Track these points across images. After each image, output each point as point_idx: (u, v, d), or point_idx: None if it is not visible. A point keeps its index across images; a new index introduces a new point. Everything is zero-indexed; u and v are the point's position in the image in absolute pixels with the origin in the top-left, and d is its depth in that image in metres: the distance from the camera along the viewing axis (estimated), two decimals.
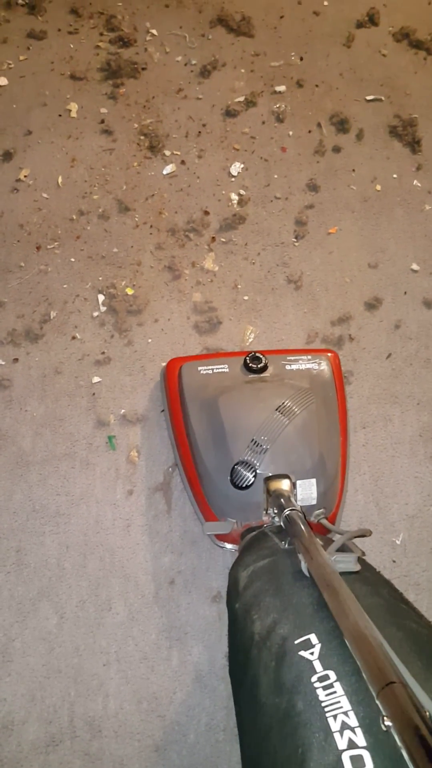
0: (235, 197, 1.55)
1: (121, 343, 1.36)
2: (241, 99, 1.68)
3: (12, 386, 1.31)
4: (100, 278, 1.42)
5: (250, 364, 1.17)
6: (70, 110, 1.63)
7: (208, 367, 1.18)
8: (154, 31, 1.76)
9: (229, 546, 1.14)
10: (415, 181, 1.62)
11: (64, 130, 1.60)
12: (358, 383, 1.37)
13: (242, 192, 1.55)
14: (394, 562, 1.21)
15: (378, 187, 1.60)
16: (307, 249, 1.51)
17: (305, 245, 1.51)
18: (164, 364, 1.27)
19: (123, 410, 1.30)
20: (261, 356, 1.18)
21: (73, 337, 1.36)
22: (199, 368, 1.18)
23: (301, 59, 1.78)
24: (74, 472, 1.24)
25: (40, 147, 1.57)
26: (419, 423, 1.34)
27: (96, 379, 1.32)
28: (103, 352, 1.35)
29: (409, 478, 1.28)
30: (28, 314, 1.37)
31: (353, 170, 1.62)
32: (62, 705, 1.07)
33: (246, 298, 1.43)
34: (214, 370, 1.18)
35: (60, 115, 1.62)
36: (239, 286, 1.44)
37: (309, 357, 1.21)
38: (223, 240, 1.49)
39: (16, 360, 1.33)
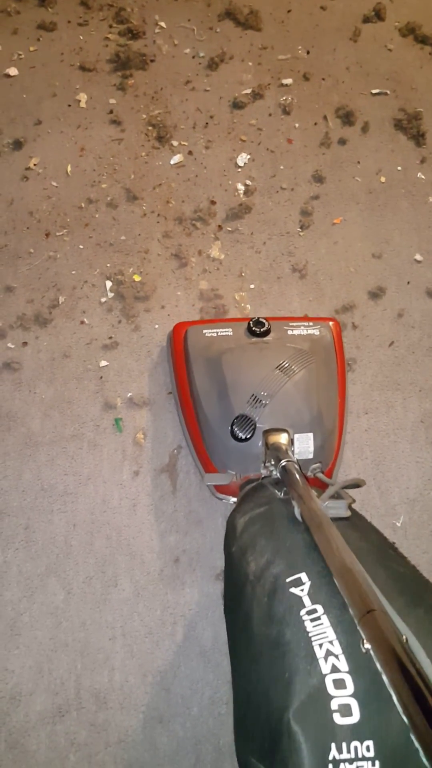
0: (241, 187, 1.57)
1: (129, 328, 1.39)
2: (249, 91, 1.70)
3: (22, 369, 1.33)
4: (108, 265, 1.45)
5: (254, 328, 1.20)
6: (79, 101, 1.65)
7: (213, 330, 1.22)
8: (163, 24, 1.79)
9: (230, 499, 1.18)
10: (419, 174, 1.64)
11: (74, 120, 1.62)
12: (362, 370, 1.39)
13: (248, 182, 1.58)
14: (394, 544, 1.23)
15: (383, 179, 1.62)
16: (312, 239, 1.53)
17: (310, 235, 1.54)
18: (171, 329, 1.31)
19: (130, 393, 1.32)
20: (264, 321, 1.21)
21: (82, 322, 1.38)
22: (204, 331, 1.22)
23: (308, 53, 1.80)
24: (82, 453, 1.27)
25: (50, 136, 1.60)
26: (421, 409, 1.36)
27: (103, 363, 1.35)
28: (110, 337, 1.37)
29: (411, 462, 1.31)
30: (37, 299, 1.40)
31: (358, 162, 1.65)
32: (69, 677, 1.10)
33: (252, 286, 1.46)
34: (219, 333, 1.22)
35: (69, 106, 1.65)
36: (245, 275, 1.47)
37: (310, 323, 1.25)
38: (230, 229, 1.52)
39: (25, 344, 1.36)
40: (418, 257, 1.52)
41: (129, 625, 1.14)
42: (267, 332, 1.21)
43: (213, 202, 1.54)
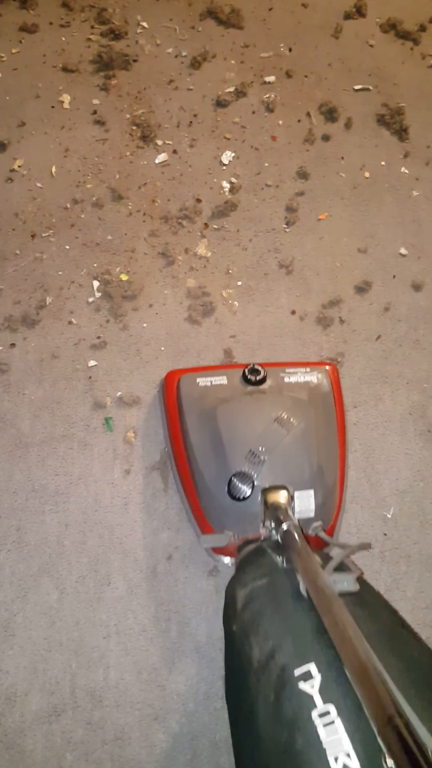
0: (226, 185, 1.57)
1: (117, 327, 1.39)
2: (232, 89, 1.71)
3: (10, 371, 1.33)
4: (95, 265, 1.45)
5: (249, 376, 1.17)
6: (62, 102, 1.65)
7: (207, 379, 1.18)
8: (145, 24, 1.79)
9: (225, 560, 1.13)
10: (403, 168, 1.65)
11: (58, 121, 1.63)
12: (350, 364, 1.40)
13: (234, 180, 1.58)
14: (385, 535, 1.24)
15: (367, 175, 1.63)
16: (298, 235, 1.54)
17: (296, 231, 1.54)
18: (163, 376, 1.28)
19: (119, 392, 1.32)
20: (260, 368, 1.18)
21: (69, 323, 1.38)
22: (198, 380, 1.18)
23: (290, 50, 1.81)
24: (72, 453, 1.27)
25: (34, 138, 1.60)
26: (409, 402, 1.37)
27: (92, 363, 1.35)
28: (98, 337, 1.37)
29: (400, 454, 1.32)
30: (24, 300, 1.40)
31: (342, 158, 1.65)
32: (64, 676, 1.10)
33: (239, 283, 1.46)
34: (213, 382, 1.18)
35: (53, 107, 1.65)
36: (232, 272, 1.47)
37: (307, 369, 1.22)
38: (216, 227, 1.52)
39: (13, 345, 1.36)
40: (403, 251, 1.53)
41: (123, 623, 1.14)
42: (263, 380, 1.17)
43: (199, 200, 1.55)
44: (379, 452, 1.32)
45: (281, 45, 1.81)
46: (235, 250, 1.50)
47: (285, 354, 1.39)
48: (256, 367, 1.18)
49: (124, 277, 1.43)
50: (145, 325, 1.40)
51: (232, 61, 1.76)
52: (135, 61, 1.73)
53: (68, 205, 1.51)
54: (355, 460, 1.31)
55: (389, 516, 1.26)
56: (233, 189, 1.57)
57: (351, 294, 1.48)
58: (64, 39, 1.76)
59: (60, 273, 1.43)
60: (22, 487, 1.24)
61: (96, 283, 1.42)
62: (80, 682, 1.10)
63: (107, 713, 1.08)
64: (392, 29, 1.88)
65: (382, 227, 1.57)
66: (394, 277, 1.50)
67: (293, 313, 1.44)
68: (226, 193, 1.56)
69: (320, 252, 1.52)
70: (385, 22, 1.88)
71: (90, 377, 1.34)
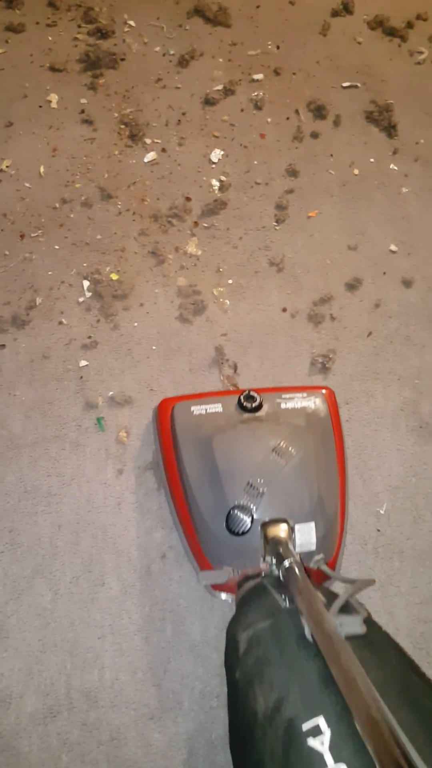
0: (216, 183, 1.57)
1: (108, 327, 1.38)
2: (220, 87, 1.70)
3: (0, 372, 1.32)
4: (85, 264, 1.44)
5: (245, 404, 1.14)
6: (50, 101, 1.65)
7: (202, 407, 1.15)
8: (132, 23, 1.79)
9: (224, 596, 1.10)
10: (392, 165, 1.66)
11: (45, 121, 1.62)
12: (341, 361, 1.40)
13: (223, 178, 1.58)
14: (378, 531, 1.24)
15: (356, 172, 1.64)
16: (288, 232, 1.54)
17: (286, 229, 1.54)
18: (156, 405, 1.25)
19: (111, 392, 1.32)
20: (255, 395, 1.15)
21: (60, 323, 1.38)
22: (192, 408, 1.15)
23: (278, 48, 1.81)
24: (65, 454, 1.26)
25: (22, 138, 1.59)
26: (400, 398, 1.37)
27: (83, 363, 1.34)
28: (89, 337, 1.37)
29: (392, 450, 1.32)
30: (14, 301, 1.39)
31: (331, 155, 1.66)
32: (59, 678, 1.09)
33: (230, 281, 1.46)
34: (208, 410, 1.15)
35: (41, 107, 1.64)
36: (222, 270, 1.47)
37: (304, 394, 1.19)
38: (206, 225, 1.52)
39: (3, 346, 1.35)
40: (393, 248, 1.54)
41: (118, 623, 1.14)
42: (259, 407, 1.14)
43: (188, 199, 1.55)
44: (372, 448, 1.32)
45: (269, 43, 1.81)
46: (225, 248, 1.50)
47: (276, 351, 1.39)
48: (252, 393, 1.15)
49: (114, 277, 1.43)
50: (136, 324, 1.39)
51: (220, 59, 1.76)
52: (122, 59, 1.73)
53: (57, 205, 1.51)
54: (347, 456, 1.31)
55: (382, 512, 1.26)
56: (223, 187, 1.57)
57: (342, 291, 1.48)
58: (51, 38, 1.75)
59: (50, 273, 1.43)
60: (15, 488, 1.23)
61: (86, 283, 1.42)
62: (75, 683, 1.09)
63: (103, 714, 1.08)
64: (379, 26, 1.89)
65: (372, 224, 1.57)
66: (384, 273, 1.51)
67: (284, 310, 1.44)
68: (216, 192, 1.56)
69: (310, 249, 1.52)
70: (372, 19, 1.89)
71: (81, 377, 1.33)
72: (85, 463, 1.26)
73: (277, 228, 1.54)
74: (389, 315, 1.46)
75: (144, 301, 1.42)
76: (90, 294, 1.41)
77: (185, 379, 1.34)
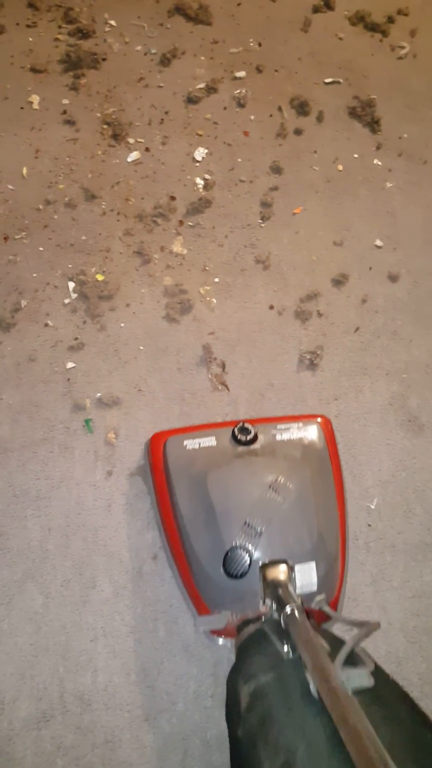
0: (200, 182, 1.57)
1: (94, 328, 1.38)
2: (202, 86, 1.70)
3: None
4: (70, 266, 1.44)
5: (239, 437, 1.10)
6: (32, 102, 1.64)
7: (195, 441, 1.12)
8: (113, 22, 1.78)
9: (221, 641, 1.07)
10: (375, 160, 1.66)
11: (27, 122, 1.61)
12: (329, 357, 1.40)
13: (207, 176, 1.58)
14: (369, 526, 1.24)
15: (340, 167, 1.64)
16: (274, 230, 1.54)
17: (271, 226, 1.54)
18: (148, 439, 1.21)
19: (99, 394, 1.31)
20: (250, 427, 1.11)
21: (46, 325, 1.37)
22: (185, 442, 1.12)
23: (260, 45, 1.80)
24: (53, 456, 1.26)
25: (4, 139, 1.58)
26: (389, 392, 1.38)
27: (70, 365, 1.34)
28: (76, 338, 1.36)
29: (381, 445, 1.32)
30: None
31: (315, 152, 1.66)
32: (52, 682, 1.09)
33: (216, 279, 1.46)
34: (201, 444, 1.11)
35: (22, 108, 1.63)
36: (208, 269, 1.47)
37: (300, 424, 1.16)
38: (191, 224, 1.52)
39: None
40: (378, 243, 1.54)
41: (110, 625, 1.13)
42: (254, 439, 1.11)
43: (173, 198, 1.54)
44: (361, 444, 1.32)
45: (251, 40, 1.81)
46: (211, 246, 1.50)
47: (264, 349, 1.39)
48: (246, 425, 1.12)
49: (99, 278, 1.42)
50: (122, 324, 1.39)
51: (202, 58, 1.76)
52: (104, 59, 1.72)
53: (41, 207, 1.50)
54: (341, 457, 1.31)
55: (373, 507, 1.26)
56: (207, 185, 1.56)
57: (328, 287, 1.48)
58: (31, 39, 1.74)
59: (34, 275, 1.42)
60: (3, 492, 1.22)
61: (71, 284, 1.41)
62: (68, 687, 1.09)
63: (97, 717, 1.07)
64: (361, 22, 1.89)
65: (357, 220, 1.57)
66: (370, 269, 1.51)
67: (271, 308, 1.44)
68: (200, 190, 1.56)
69: (296, 246, 1.52)
70: (353, 15, 1.89)
71: (68, 379, 1.33)
72: (74, 466, 1.25)
73: (262, 225, 1.54)
74: (376, 310, 1.46)
75: (130, 302, 1.41)
76: (76, 295, 1.40)
77: (173, 379, 1.34)
